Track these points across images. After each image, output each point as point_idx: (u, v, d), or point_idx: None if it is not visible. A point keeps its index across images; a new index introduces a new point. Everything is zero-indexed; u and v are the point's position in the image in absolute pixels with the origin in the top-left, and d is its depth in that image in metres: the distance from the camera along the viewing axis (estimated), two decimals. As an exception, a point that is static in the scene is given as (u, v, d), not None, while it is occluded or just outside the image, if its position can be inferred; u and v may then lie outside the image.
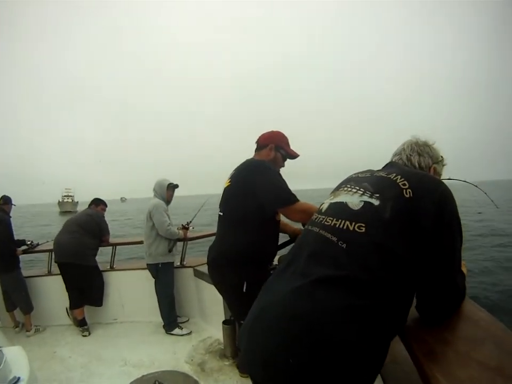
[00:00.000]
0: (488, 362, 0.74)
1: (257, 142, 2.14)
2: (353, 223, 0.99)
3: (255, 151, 2.14)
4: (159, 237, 3.44)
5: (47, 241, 4.31)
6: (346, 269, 0.90)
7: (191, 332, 3.47)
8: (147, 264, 3.51)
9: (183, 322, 3.68)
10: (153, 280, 3.54)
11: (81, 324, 3.67)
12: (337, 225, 1.02)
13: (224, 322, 2.87)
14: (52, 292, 3.98)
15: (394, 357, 1.34)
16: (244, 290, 1.88)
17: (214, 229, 2.16)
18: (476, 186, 1.86)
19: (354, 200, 1.06)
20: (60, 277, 3.69)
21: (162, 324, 3.53)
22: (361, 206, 1.03)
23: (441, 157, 1.30)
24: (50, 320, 3.99)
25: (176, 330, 3.46)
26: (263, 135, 2.13)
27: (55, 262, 3.73)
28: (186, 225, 3.79)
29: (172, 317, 3.52)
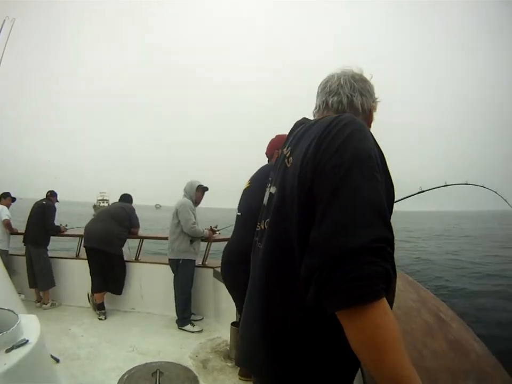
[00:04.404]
0: None
1: (266, 155, 2.22)
2: (263, 221, 0.92)
3: (268, 162, 2.21)
4: (183, 234, 3.52)
5: (78, 227, 4.58)
6: (260, 276, 0.87)
7: (202, 330, 3.49)
8: (168, 259, 3.60)
9: (197, 320, 3.71)
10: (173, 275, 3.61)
11: (99, 308, 3.80)
12: (258, 228, 0.97)
13: (232, 324, 2.86)
14: (77, 274, 4.19)
15: None
16: None
17: None
18: (495, 192, 1.78)
19: (266, 194, 0.97)
20: (86, 261, 3.88)
21: (176, 318, 3.58)
22: (267, 199, 0.94)
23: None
24: (71, 300, 4.20)
25: (188, 327, 3.49)
26: (267, 147, 2.21)
27: (84, 246, 3.95)
28: (214, 228, 3.90)
29: (186, 313, 3.56)
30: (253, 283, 0.92)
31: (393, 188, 0.77)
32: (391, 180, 0.76)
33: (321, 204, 0.67)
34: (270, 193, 0.92)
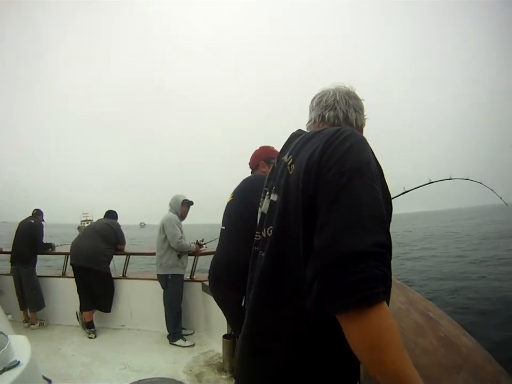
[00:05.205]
0: None
1: (250, 166, 2.22)
2: (265, 229, 0.91)
3: (251, 174, 2.20)
4: (170, 249, 3.52)
5: (64, 244, 4.52)
6: (260, 283, 0.87)
7: (194, 344, 3.47)
8: (157, 275, 3.59)
9: (188, 334, 3.68)
10: (163, 291, 3.60)
11: (89, 326, 3.75)
12: (258, 238, 0.96)
13: (224, 336, 2.86)
14: (65, 293, 4.13)
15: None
16: (243, 304, 1.87)
17: None
18: (480, 183, 1.76)
19: (265, 203, 0.97)
20: (73, 279, 3.83)
21: (167, 333, 3.56)
22: (268, 206, 0.94)
23: None
24: (60, 319, 4.13)
25: (180, 342, 3.47)
26: (251, 158, 2.21)
27: (70, 264, 3.88)
28: (200, 242, 3.90)
29: (177, 328, 3.54)
30: (252, 292, 0.91)
31: (390, 200, 0.78)
32: (388, 193, 0.78)
33: (323, 210, 0.69)
34: (271, 200, 0.92)
